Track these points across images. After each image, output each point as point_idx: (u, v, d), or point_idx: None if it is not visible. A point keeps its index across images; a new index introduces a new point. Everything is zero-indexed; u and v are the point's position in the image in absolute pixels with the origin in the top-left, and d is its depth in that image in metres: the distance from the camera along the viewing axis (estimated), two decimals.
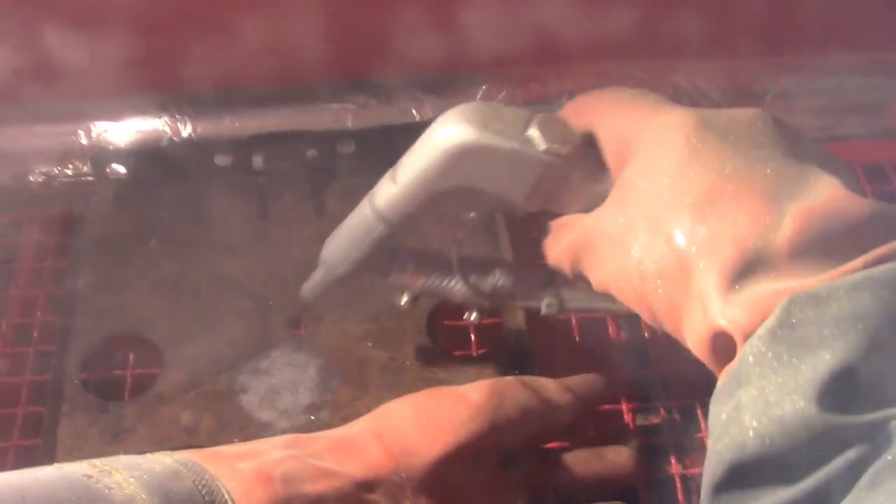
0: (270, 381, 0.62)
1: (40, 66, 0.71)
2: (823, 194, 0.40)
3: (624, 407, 0.62)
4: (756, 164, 0.42)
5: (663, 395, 0.63)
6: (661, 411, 0.62)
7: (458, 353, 0.66)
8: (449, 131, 0.49)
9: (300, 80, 0.75)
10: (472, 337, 0.66)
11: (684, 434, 0.61)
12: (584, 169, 0.49)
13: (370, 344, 0.65)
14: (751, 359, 0.37)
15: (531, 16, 0.71)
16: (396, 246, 0.56)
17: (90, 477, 0.40)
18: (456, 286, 0.58)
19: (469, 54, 0.72)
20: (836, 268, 0.38)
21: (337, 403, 0.61)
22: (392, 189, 0.52)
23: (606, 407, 0.62)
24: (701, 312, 0.40)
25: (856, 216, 0.40)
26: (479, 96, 0.73)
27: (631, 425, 0.62)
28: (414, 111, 0.74)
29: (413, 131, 0.67)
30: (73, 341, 0.65)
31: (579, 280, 0.51)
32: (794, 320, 0.36)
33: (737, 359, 0.38)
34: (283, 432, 0.59)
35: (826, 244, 0.39)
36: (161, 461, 0.44)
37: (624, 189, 0.46)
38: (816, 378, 0.35)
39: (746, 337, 0.38)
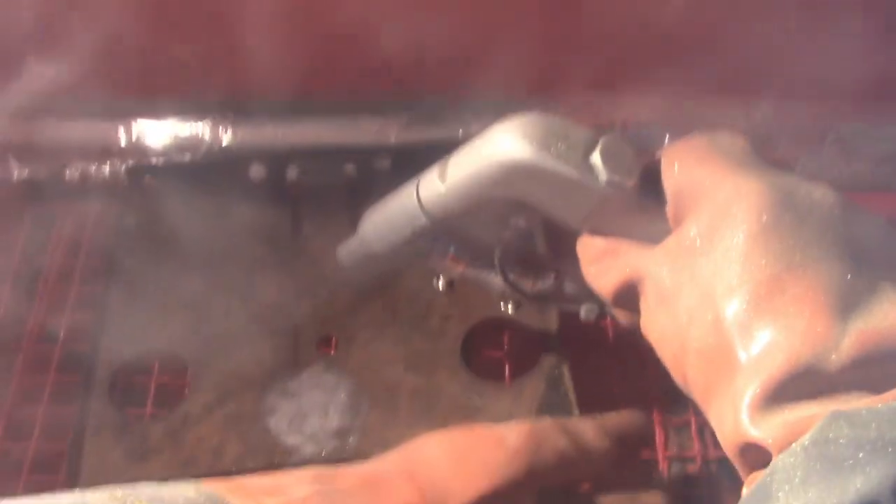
0: (299, 403, 0.61)
1: (84, 60, 0.70)
2: (889, 317, 0.38)
3: (660, 455, 0.60)
4: (827, 262, 0.39)
5: (700, 440, 0.61)
6: (698, 462, 0.60)
7: (492, 380, 0.64)
8: (506, 143, 0.46)
9: (349, 93, 0.73)
10: (507, 365, 0.64)
11: (721, 488, 0.59)
12: (642, 203, 0.46)
13: (402, 367, 0.63)
14: (781, 475, 0.34)
15: (588, 42, 0.69)
16: (440, 230, 0.53)
17: None
18: (495, 280, 0.56)
19: (521, 78, 0.70)
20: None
21: (366, 429, 0.60)
22: (439, 187, 0.49)
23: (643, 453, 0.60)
24: (733, 416, 0.38)
25: None
26: None
27: (665, 473, 0.60)
28: (461, 132, 0.73)
29: (449, 148, 0.66)
30: (101, 354, 0.64)
31: (619, 311, 0.49)
32: (829, 438, 0.34)
33: (767, 471, 0.36)
34: (311, 457, 0.58)
35: (882, 370, 0.37)
36: (185, 493, 0.42)
37: (682, 245, 0.42)
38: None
39: (781, 450, 0.36)
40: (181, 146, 0.74)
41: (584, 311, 0.56)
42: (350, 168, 0.71)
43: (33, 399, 0.64)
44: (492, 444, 0.50)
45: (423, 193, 0.51)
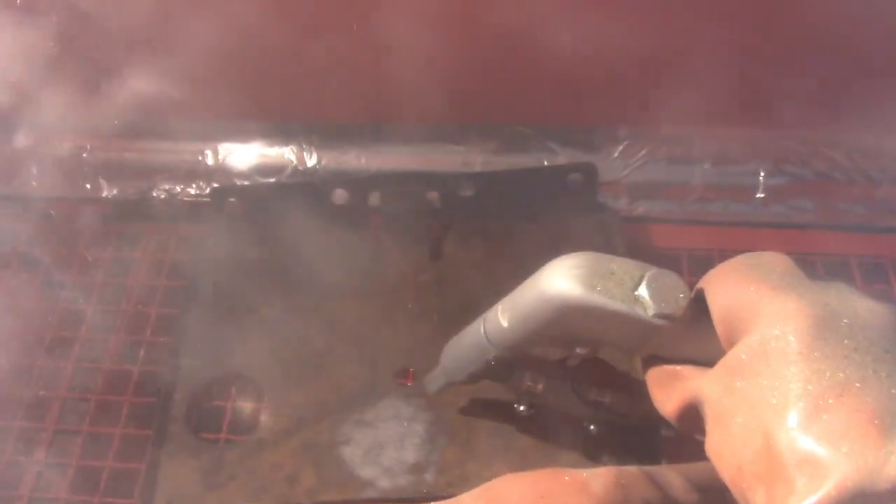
0: (375, 434, 0.60)
1: (174, 82, 0.70)
2: None
3: None
4: (873, 380, 0.39)
5: None
6: None
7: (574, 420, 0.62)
8: (556, 284, 0.48)
9: (433, 119, 0.73)
10: None
11: None
12: (695, 328, 0.47)
13: (481, 402, 0.61)
14: None
15: (678, 74, 0.67)
16: (513, 357, 0.55)
17: None
18: (572, 402, 0.57)
19: (610, 108, 0.69)
20: None
21: (443, 465, 0.58)
22: (502, 323, 0.52)
23: None
24: None
25: None
26: (617, 153, 0.70)
27: None
28: (546, 162, 0.71)
29: (534, 175, 0.64)
30: (179, 375, 0.63)
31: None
32: None
33: None
34: (385, 492, 0.57)
35: None
36: None
37: (732, 367, 0.43)
38: None
39: None
40: (266, 169, 0.74)
41: (664, 427, 0.57)
42: (433, 195, 0.71)
43: (110, 422, 0.64)
44: (576, 489, 0.48)
45: (488, 329, 0.53)
